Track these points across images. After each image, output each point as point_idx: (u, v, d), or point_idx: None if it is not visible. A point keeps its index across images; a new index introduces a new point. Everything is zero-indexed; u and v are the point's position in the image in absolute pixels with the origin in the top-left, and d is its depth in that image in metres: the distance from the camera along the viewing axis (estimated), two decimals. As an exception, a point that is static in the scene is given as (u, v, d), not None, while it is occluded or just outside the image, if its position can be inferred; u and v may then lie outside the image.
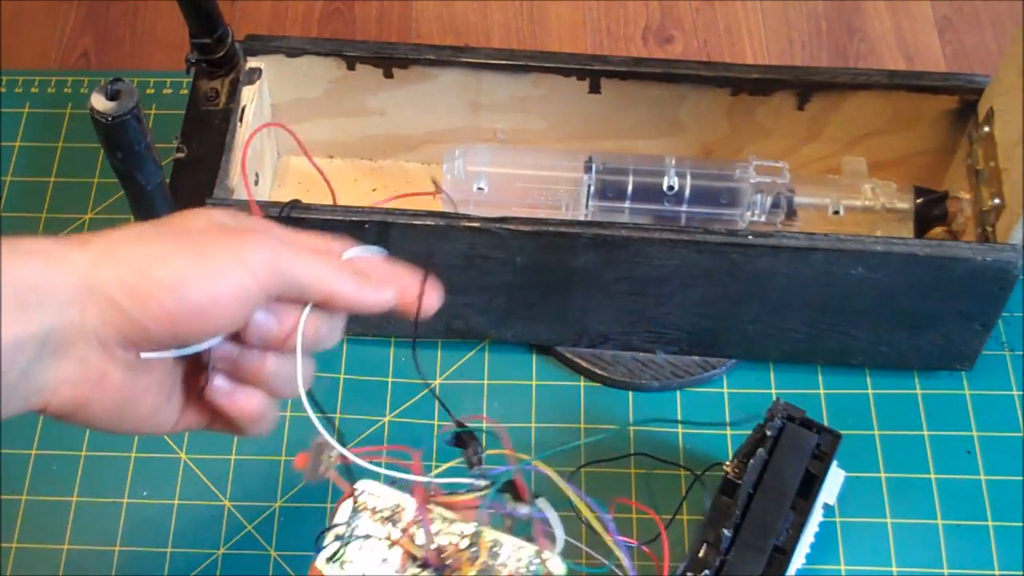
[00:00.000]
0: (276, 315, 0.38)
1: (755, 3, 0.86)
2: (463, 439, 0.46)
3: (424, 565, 0.42)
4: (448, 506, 0.44)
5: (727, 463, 0.56)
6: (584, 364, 0.66)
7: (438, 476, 0.45)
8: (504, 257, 0.61)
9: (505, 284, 0.63)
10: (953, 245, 0.60)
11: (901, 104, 0.67)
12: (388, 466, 0.44)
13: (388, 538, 0.43)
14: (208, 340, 0.38)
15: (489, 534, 0.43)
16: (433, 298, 0.42)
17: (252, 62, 0.67)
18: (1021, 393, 0.66)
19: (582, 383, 0.67)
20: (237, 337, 0.39)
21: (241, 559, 0.61)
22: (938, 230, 0.68)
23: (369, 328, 0.67)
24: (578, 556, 0.51)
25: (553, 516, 0.44)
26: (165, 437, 0.64)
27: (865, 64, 0.82)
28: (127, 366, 0.36)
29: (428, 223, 0.60)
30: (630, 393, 0.66)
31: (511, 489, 0.45)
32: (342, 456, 0.43)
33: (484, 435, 0.47)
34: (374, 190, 0.72)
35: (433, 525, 0.43)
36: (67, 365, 0.34)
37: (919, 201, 0.68)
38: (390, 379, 0.66)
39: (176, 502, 0.63)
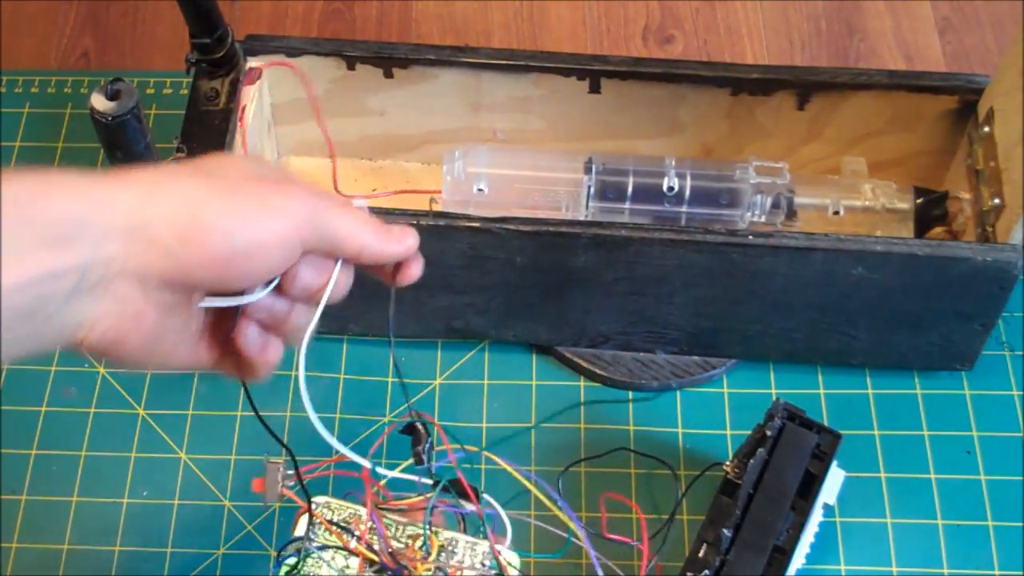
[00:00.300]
0: (315, 268, 0.39)
1: (755, 3, 0.86)
2: (413, 428, 0.46)
3: (381, 569, 0.43)
4: (400, 510, 0.45)
5: (727, 463, 0.56)
6: (584, 364, 0.66)
7: (387, 480, 0.45)
8: (504, 257, 0.61)
9: (505, 284, 0.63)
10: (953, 245, 0.60)
11: (901, 104, 0.67)
12: (340, 477, 0.45)
13: (345, 547, 0.43)
14: (255, 288, 0.38)
15: (443, 534, 0.44)
16: (416, 267, 0.42)
17: (252, 62, 0.67)
18: (1021, 393, 0.66)
19: (582, 383, 0.67)
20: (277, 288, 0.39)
21: (241, 559, 0.61)
22: (938, 230, 0.68)
23: (369, 328, 0.67)
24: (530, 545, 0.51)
25: (499, 509, 0.44)
26: (165, 437, 0.64)
27: (865, 64, 0.82)
28: (163, 305, 0.36)
29: (428, 223, 0.60)
30: (630, 393, 0.66)
31: (458, 487, 0.45)
32: (295, 475, 0.44)
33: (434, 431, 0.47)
34: (374, 190, 0.72)
35: (388, 531, 0.43)
36: (105, 301, 0.34)
37: (919, 201, 0.68)
38: (390, 379, 0.66)
39: (176, 502, 0.63)
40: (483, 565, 0.44)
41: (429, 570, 0.43)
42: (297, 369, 0.40)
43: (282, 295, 0.39)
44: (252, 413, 0.65)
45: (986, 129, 0.64)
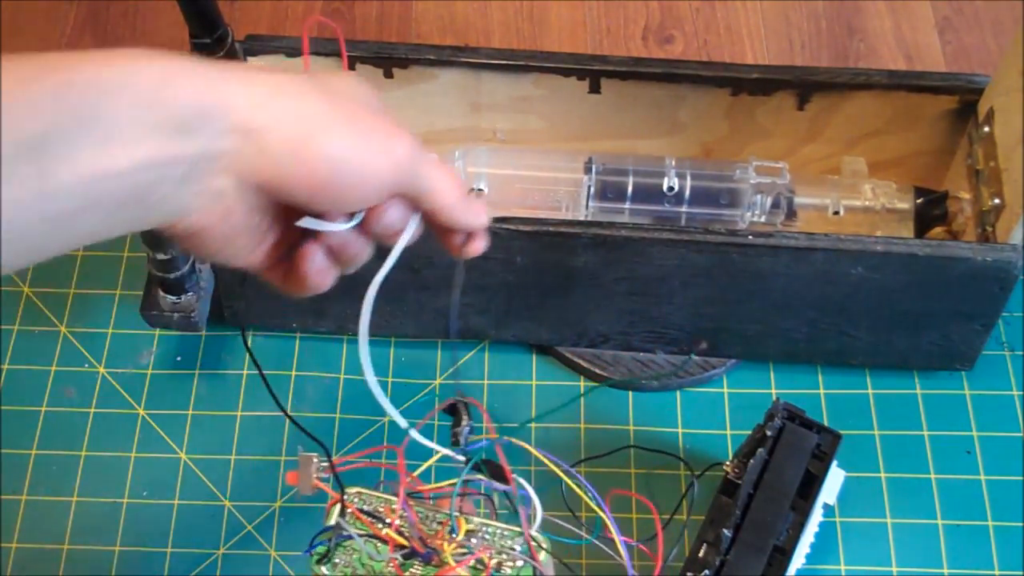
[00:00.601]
0: (399, 212, 0.40)
1: (755, 3, 0.86)
2: (456, 407, 0.46)
3: (411, 554, 0.43)
4: (431, 498, 0.45)
5: (727, 463, 0.56)
6: (584, 364, 0.66)
7: (419, 472, 0.46)
8: (504, 257, 0.61)
9: (505, 284, 0.63)
10: (953, 245, 0.60)
11: (901, 104, 0.67)
12: (370, 470, 0.45)
13: (376, 534, 0.43)
14: (344, 216, 0.39)
15: (473, 520, 0.44)
16: (483, 242, 0.43)
17: (252, 62, 0.67)
18: (1021, 393, 0.66)
19: (582, 383, 0.67)
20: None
21: (241, 559, 0.61)
22: (938, 230, 0.68)
23: (370, 328, 0.67)
24: (559, 531, 0.51)
25: (530, 490, 0.45)
26: (165, 437, 0.65)
27: (865, 64, 0.83)
28: (251, 207, 0.36)
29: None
30: (630, 393, 0.66)
31: (490, 468, 0.45)
32: (329, 467, 0.44)
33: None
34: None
35: (417, 517, 0.44)
36: (205, 194, 0.34)
37: (919, 201, 0.68)
38: (390, 379, 0.66)
39: (176, 502, 0.63)
40: (513, 549, 0.44)
41: (457, 552, 0.43)
42: (360, 322, 0.41)
43: (359, 229, 0.40)
44: (251, 413, 0.65)
45: (986, 129, 0.64)
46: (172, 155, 0.32)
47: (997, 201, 0.62)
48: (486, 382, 0.66)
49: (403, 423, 0.43)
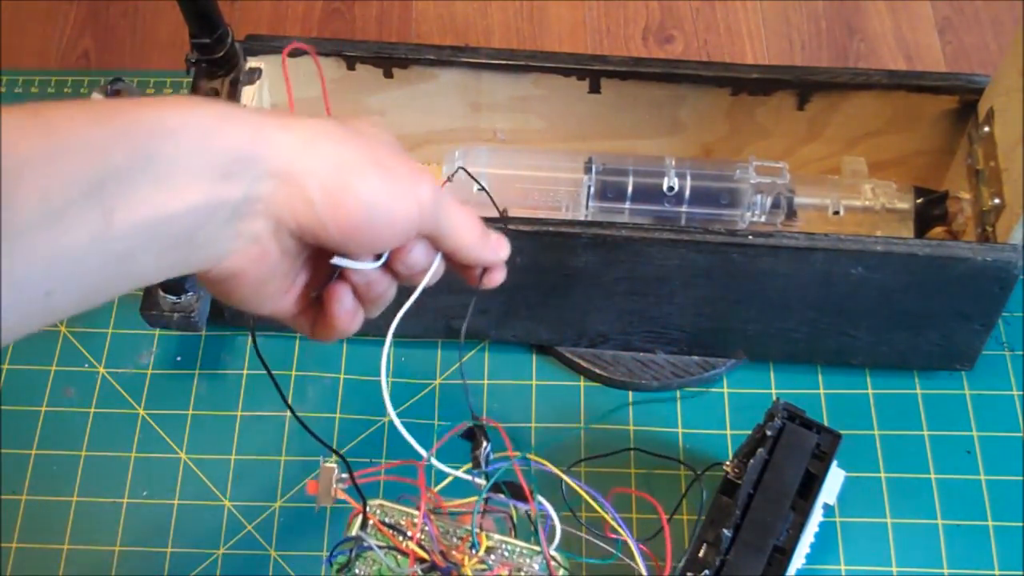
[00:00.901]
0: (423, 251, 0.41)
1: (755, 3, 0.86)
2: (476, 435, 0.46)
3: (431, 568, 0.43)
4: (451, 514, 0.45)
5: (727, 463, 0.56)
6: (584, 364, 0.66)
7: (440, 488, 0.46)
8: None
9: (505, 284, 0.63)
10: (953, 245, 0.60)
11: (901, 104, 0.67)
12: (390, 483, 0.45)
13: (397, 547, 0.43)
14: (371, 257, 0.40)
15: (494, 537, 0.44)
16: (500, 274, 0.46)
17: (252, 62, 0.67)
18: (1021, 393, 0.66)
19: (582, 383, 0.67)
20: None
21: (241, 559, 0.61)
22: (938, 230, 0.68)
23: (369, 328, 0.67)
24: (579, 549, 0.51)
25: (551, 510, 0.45)
26: (165, 437, 0.65)
27: (865, 64, 0.82)
28: (283, 250, 0.37)
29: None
30: (630, 393, 0.66)
31: (510, 488, 0.45)
32: (349, 479, 0.44)
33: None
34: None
35: (439, 531, 0.44)
36: (245, 235, 0.36)
37: (919, 201, 0.68)
38: (390, 379, 0.66)
39: (176, 502, 0.63)
40: (533, 567, 0.44)
41: (477, 568, 0.43)
42: (384, 347, 0.43)
43: (385, 269, 0.41)
44: (251, 413, 0.65)
45: (986, 129, 0.64)
46: (220, 198, 0.34)
47: (997, 201, 0.62)
48: (486, 382, 0.66)
49: (423, 453, 0.43)
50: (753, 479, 0.55)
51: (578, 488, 0.48)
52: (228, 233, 0.35)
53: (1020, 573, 0.60)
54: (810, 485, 0.55)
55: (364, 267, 0.40)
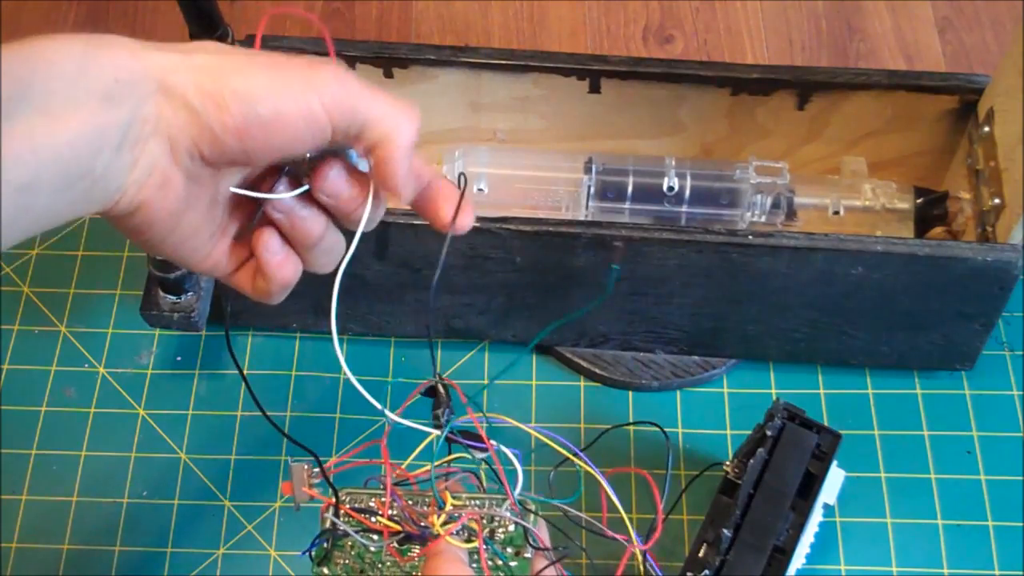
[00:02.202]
0: (347, 177, 0.39)
1: (755, 3, 0.86)
2: (434, 389, 0.46)
3: (407, 538, 0.43)
4: (416, 480, 0.45)
5: (727, 463, 0.56)
6: (584, 364, 0.66)
7: (407, 465, 0.46)
8: (504, 257, 0.61)
9: (505, 284, 0.63)
10: (953, 245, 0.60)
11: (901, 104, 0.67)
12: (359, 468, 0.46)
13: (370, 527, 0.44)
14: (288, 184, 0.38)
15: (462, 496, 0.44)
16: (471, 214, 0.42)
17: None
18: (1021, 393, 0.66)
19: (582, 383, 0.67)
20: (307, 198, 0.39)
21: (241, 559, 0.61)
22: (938, 230, 0.68)
23: (369, 328, 0.67)
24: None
25: (510, 453, 0.45)
26: (165, 437, 0.65)
27: (865, 64, 0.83)
28: (188, 175, 0.36)
29: (428, 223, 0.60)
30: (630, 393, 0.66)
31: (467, 437, 0.46)
32: (320, 472, 0.45)
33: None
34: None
35: (408, 503, 0.44)
36: (140, 165, 0.35)
37: (919, 201, 0.68)
38: (390, 379, 0.66)
39: (176, 502, 0.63)
40: (502, 512, 0.44)
41: (446, 522, 0.43)
42: (329, 309, 0.40)
43: (309, 204, 0.39)
44: (251, 413, 0.65)
45: (986, 129, 0.64)
46: (105, 123, 0.33)
47: (997, 201, 0.62)
48: (486, 382, 0.66)
49: (378, 406, 0.43)
50: (753, 479, 0.55)
51: (544, 438, 0.48)
52: (123, 161, 0.34)
53: (1020, 573, 0.60)
54: (810, 485, 0.55)
55: (271, 196, 0.38)
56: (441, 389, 0.46)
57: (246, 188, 0.39)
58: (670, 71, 0.67)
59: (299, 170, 0.39)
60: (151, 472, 0.64)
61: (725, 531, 0.53)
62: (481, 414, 0.46)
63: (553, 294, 0.63)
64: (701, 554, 0.54)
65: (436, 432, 0.45)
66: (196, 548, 0.61)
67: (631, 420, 0.65)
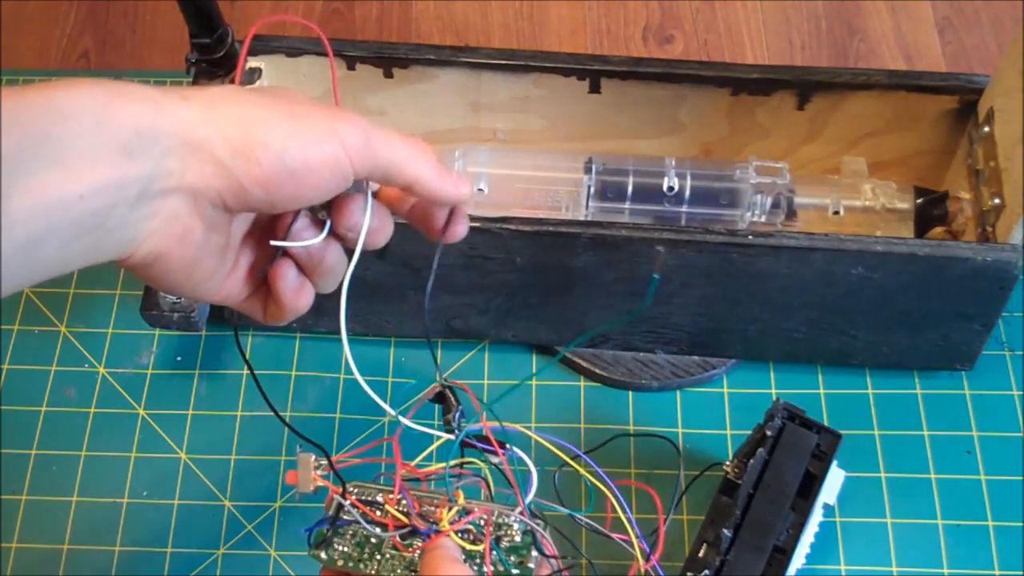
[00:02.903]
0: (364, 208, 0.40)
1: (755, 3, 0.86)
2: (443, 395, 0.47)
3: (412, 533, 0.43)
4: (426, 478, 0.45)
5: (727, 463, 0.56)
6: (584, 364, 0.66)
7: (416, 463, 0.46)
8: (504, 257, 0.61)
9: (505, 284, 0.63)
10: (953, 245, 0.60)
11: (901, 104, 0.67)
12: (367, 466, 0.46)
13: (375, 519, 0.44)
14: (310, 224, 0.39)
15: (473, 502, 0.44)
16: (464, 225, 0.43)
17: (252, 62, 0.67)
18: (1021, 393, 0.66)
19: (582, 383, 0.67)
20: (321, 227, 0.40)
21: (241, 559, 0.61)
22: (938, 230, 0.68)
23: (369, 328, 0.67)
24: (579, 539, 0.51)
25: (526, 457, 0.45)
26: (165, 437, 0.65)
27: (865, 64, 0.83)
28: (209, 224, 0.36)
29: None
30: (630, 393, 0.66)
31: (482, 440, 0.46)
32: (328, 465, 0.45)
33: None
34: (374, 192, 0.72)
35: (416, 499, 0.44)
36: (159, 216, 0.35)
37: (919, 201, 0.68)
38: (390, 379, 0.66)
39: (176, 502, 0.63)
40: (511, 523, 0.44)
41: (453, 517, 0.43)
42: (339, 314, 0.41)
43: (328, 237, 0.40)
44: (251, 413, 0.65)
45: (986, 129, 0.64)
46: (124, 177, 0.33)
47: (997, 201, 0.62)
48: (486, 382, 0.66)
49: (392, 412, 0.43)
50: (753, 479, 0.55)
51: (553, 447, 0.48)
52: (141, 214, 0.34)
53: (1020, 573, 0.60)
54: (810, 485, 0.55)
55: (305, 244, 0.39)
56: (449, 394, 0.46)
57: (259, 226, 0.40)
58: (670, 71, 0.67)
59: (315, 207, 0.40)
60: (151, 472, 0.64)
61: (725, 531, 0.53)
62: (497, 423, 0.46)
63: (553, 294, 0.63)
64: (701, 554, 0.54)
65: (450, 436, 0.45)
66: (196, 548, 0.61)
67: (631, 421, 0.65)
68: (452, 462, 0.45)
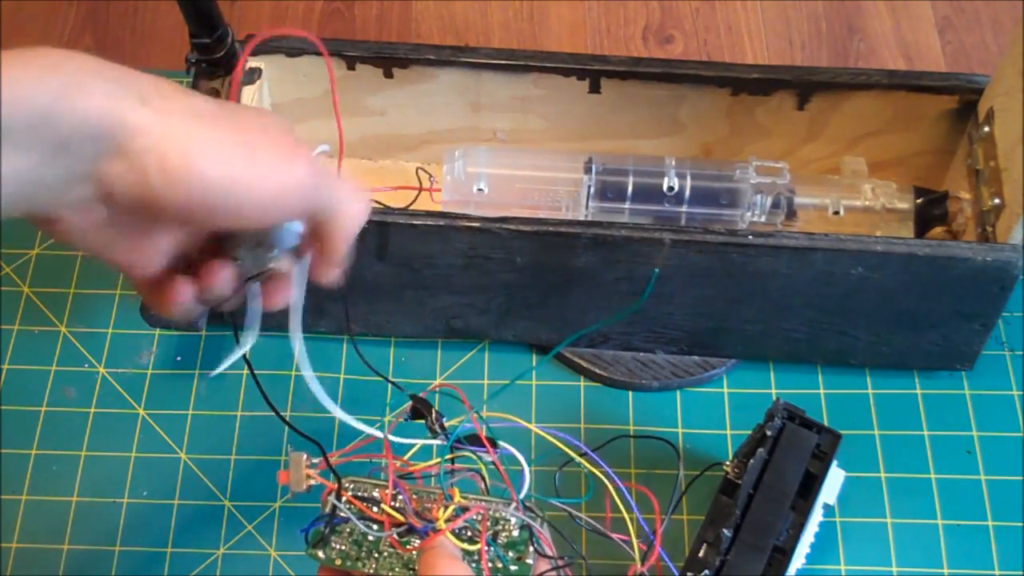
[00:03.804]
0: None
1: (755, 3, 0.86)
2: (419, 410, 0.47)
3: (408, 531, 0.43)
4: (420, 475, 0.46)
5: (727, 463, 0.56)
6: (584, 364, 0.66)
7: (410, 456, 0.47)
8: (504, 257, 0.61)
9: (505, 284, 0.63)
10: (953, 245, 0.60)
11: (901, 104, 0.67)
12: (363, 463, 0.47)
13: (371, 517, 0.44)
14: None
15: (470, 497, 0.45)
16: (332, 273, 0.43)
17: (252, 62, 0.67)
18: (1021, 393, 0.66)
19: (582, 383, 0.67)
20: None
21: (241, 559, 0.61)
22: (938, 230, 0.68)
23: (369, 328, 0.67)
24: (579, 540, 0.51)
25: (517, 452, 0.45)
26: (165, 437, 0.65)
27: (865, 64, 0.83)
28: (114, 217, 0.36)
29: (428, 223, 0.60)
30: (630, 393, 0.66)
31: (471, 441, 0.46)
32: (323, 461, 0.45)
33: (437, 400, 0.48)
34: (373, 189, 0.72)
35: (412, 495, 0.45)
36: (68, 204, 0.34)
37: (919, 201, 0.68)
38: (390, 379, 0.66)
39: (176, 502, 0.63)
40: (507, 518, 0.44)
41: (450, 516, 0.43)
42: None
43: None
44: (251, 413, 0.65)
45: (986, 129, 0.64)
46: (46, 174, 0.32)
47: (997, 201, 0.62)
48: (486, 382, 0.66)
49: (377, 434, 0.43)
50: (753, 479, 0.55)
51: (552, 438, 0.49)
52: (51, 197, 0.34)
53: (1020, 573, 0.60)
54: (810, 485, 0.55)
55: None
56: (420, 405, 0.47)
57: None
58: (670, 71, 0.67)
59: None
60: (151, 472, 0.64)
61: (725, 531, 0.53)
62: (481, 424, 0.47)
63: (553, 294, 0.63)
64: (701, 554, 0.54)
65: (440, 441, 0.46)
66: (196, 548, 0.61)
67: (631, 421, 0.65)
68: (447, 457, 0.45)
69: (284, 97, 0.70)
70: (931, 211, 0.67)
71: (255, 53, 0.67)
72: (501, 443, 0.46)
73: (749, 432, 0.57)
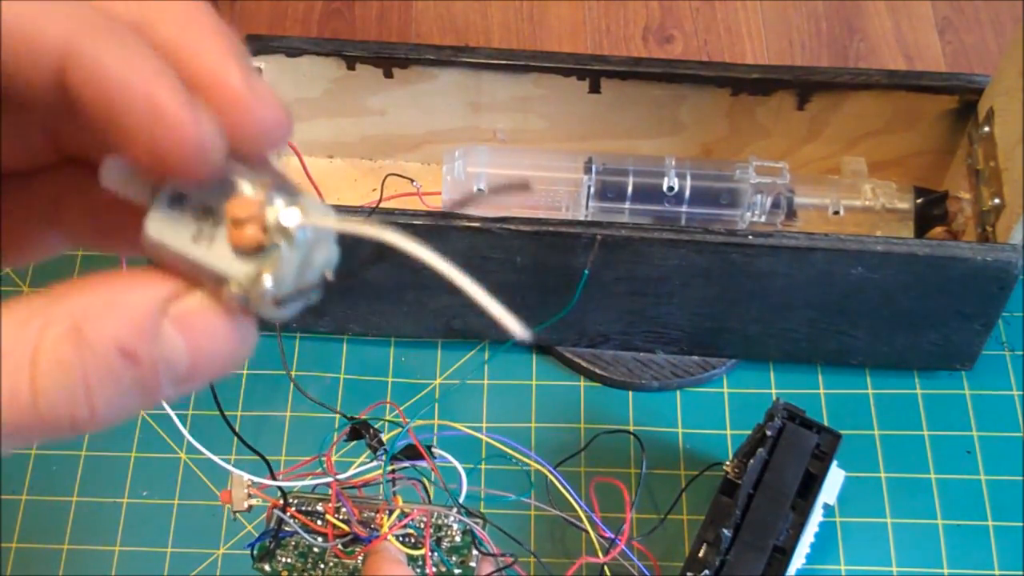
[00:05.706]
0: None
1: (755, 3, 0.86)
2: (357, 431, 0.48)
3: (353, 540, 0.44)
4: (361, 486, 0.46)
5: (727, 463, 0.56)
6: (584, 364, 0.66)
7: (352, 468, 0.47)
8: (504, 257, 0.61)
9: (505, 284, 0.63)
10: (953, 245, 0.60)
11: (901, 104, 0.67)
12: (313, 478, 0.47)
13: (315, 529, 0.45)
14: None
15: (413, 506, 0.45)
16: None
17: (252, 62, 0.67)
18: (1021, 393, 0.66)
19: (582, 383, 0.67)
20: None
21: (241, 559, 0.61)
22: (938, 230, 0.68)
23: (369, 328, 0.67)
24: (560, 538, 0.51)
25: (453, 460, 0.46)
26: (165, 437, 0.64)
27: (865, 64, 0.83)
28: None
29: (427, 223, 0.60)
30: (630, 393, 0.66)
31: (407, 452, 0.47)
32: (269, 476, 0.46)
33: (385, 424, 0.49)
34: (374, 190, 0.72)
35: (355, 507, 0.45)
36: None
37: (919, 201, 0.68)
38: (390, 379, 0.66)
39: (176, 502, 0.63)
40: (450, 524, 0.45)
41: (393, 523, 0.44)
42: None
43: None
44: (251, 413, 0.65)
45: (986, 129, 0.64)
46: None
47: (997, 201, 0.62)
48: (486, 382, 0.66)
49: (331, 477, 0.44)
50: (753, 479, 0.55)
51: (494, 442, 0.49)
52: None
53: (1020, 573, 0.60)
54: (810, 485, 0.55)
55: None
56: (359, 427, 0.48)
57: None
58: (670, 71, 0.67)
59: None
60: (151, 472, 0.64)
61: (725, 531, 0.53)
62: (436, 434, 0.48)
63: (553, 294, 0.63)
64: (701, 554, 0.54)
65: (379, 461, 0.46)
66: (196, 548, 0.61)
67: (631, 421, 0.65)
68: (389, 467, 0.46)
69: (284, 97, 0.69)
70: (931, 211, 0.67)
71: (254, 53, 0.67)
72: (436, 451, 0.47)
73: (749, 432, 0.57)
